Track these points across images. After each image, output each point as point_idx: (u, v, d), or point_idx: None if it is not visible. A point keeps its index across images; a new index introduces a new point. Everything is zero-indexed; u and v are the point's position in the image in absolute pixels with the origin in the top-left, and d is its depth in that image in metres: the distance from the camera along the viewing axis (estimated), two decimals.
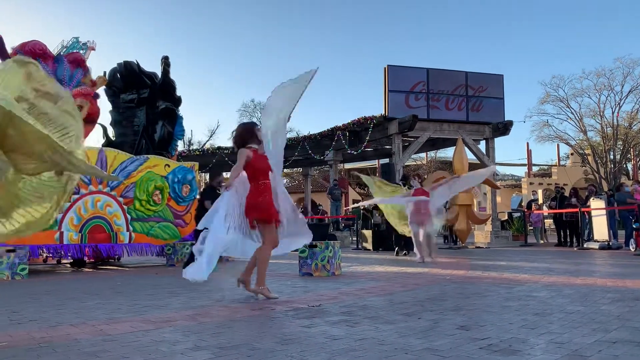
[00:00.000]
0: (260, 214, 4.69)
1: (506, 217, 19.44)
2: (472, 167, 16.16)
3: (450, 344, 2.77)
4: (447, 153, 31.90)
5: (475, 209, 15.34)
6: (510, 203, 29.13)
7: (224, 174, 31.43)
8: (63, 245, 8.37)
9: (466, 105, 16.99)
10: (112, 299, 4.99)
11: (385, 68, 16.54)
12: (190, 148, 32.24)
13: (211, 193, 7.80)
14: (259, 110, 41.63)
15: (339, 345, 2.79)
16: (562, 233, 14.76)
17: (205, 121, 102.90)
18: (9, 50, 8.78)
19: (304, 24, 73.33)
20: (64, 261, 10.51)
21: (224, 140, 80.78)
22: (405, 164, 17.83)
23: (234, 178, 4.75)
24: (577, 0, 67.03)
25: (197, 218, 7.52)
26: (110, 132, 11.30)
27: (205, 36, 72.29)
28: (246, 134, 4.98)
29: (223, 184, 6.06)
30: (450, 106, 16.91)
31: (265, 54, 71.61)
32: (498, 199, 19.49)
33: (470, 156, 16.57)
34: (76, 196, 8.47)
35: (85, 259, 9.76)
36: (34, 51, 9.07)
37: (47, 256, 10.03)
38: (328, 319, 3.61)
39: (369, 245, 13.89)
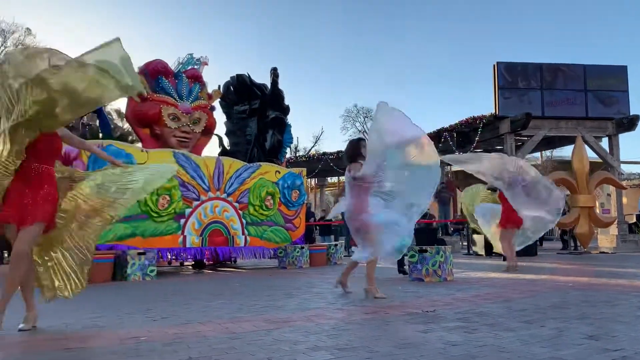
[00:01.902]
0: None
1: (634, 220, 17.84)
2: (594, 166, 15.07)
3: (579, 354, 2.62)
4: (565, 152, 29.93)
5: (597, 211, 14.27)
6: (638, 204, 26.70)
7: (328, 179, 32.07)
8: (186, 248, 8.99)
9: (585, 100, 15.91)
10: (233, 299, 5.28)
11: (494, 65, 15.97)
12: (297, 155, 33.11)
13: None
14: (361, 115, 41.81)
15: (457, 351, 2.75)
16: None
17: (310, 127, 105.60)
18: (135, 70, 9.59)
19: (408, 25, 72.49)
20: (186, 263, 11.28)
21: (329, 145, 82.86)
22: None
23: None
24: None
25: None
26: (226, 141, 12.06)
27: (310, 44, 74.11)
28: (352, 150, 5.37)
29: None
30: (568, 102, 15.91)
31: (367, 59, 71.80)
32: (624, 200, 17.96)
33: (591, 155, 15.46)
34: (197, 202, 9.07)
35: (205, 261, 10.42)
36: (157, 69, 9.85)
37: (171, 259, 10.81)
38: (444, 324, 3.56)
39: (480, 250, 13.40)
